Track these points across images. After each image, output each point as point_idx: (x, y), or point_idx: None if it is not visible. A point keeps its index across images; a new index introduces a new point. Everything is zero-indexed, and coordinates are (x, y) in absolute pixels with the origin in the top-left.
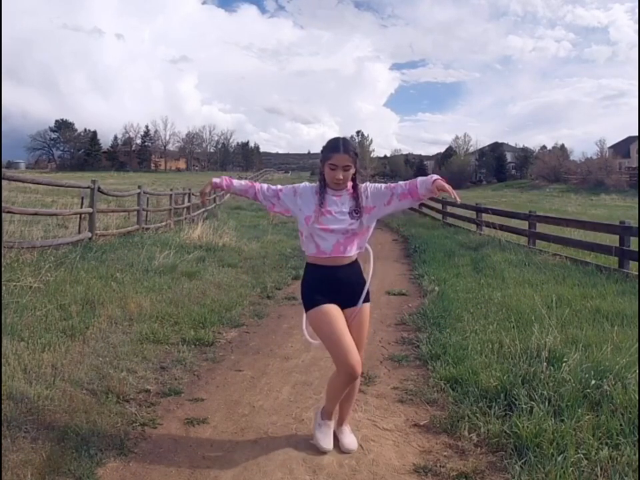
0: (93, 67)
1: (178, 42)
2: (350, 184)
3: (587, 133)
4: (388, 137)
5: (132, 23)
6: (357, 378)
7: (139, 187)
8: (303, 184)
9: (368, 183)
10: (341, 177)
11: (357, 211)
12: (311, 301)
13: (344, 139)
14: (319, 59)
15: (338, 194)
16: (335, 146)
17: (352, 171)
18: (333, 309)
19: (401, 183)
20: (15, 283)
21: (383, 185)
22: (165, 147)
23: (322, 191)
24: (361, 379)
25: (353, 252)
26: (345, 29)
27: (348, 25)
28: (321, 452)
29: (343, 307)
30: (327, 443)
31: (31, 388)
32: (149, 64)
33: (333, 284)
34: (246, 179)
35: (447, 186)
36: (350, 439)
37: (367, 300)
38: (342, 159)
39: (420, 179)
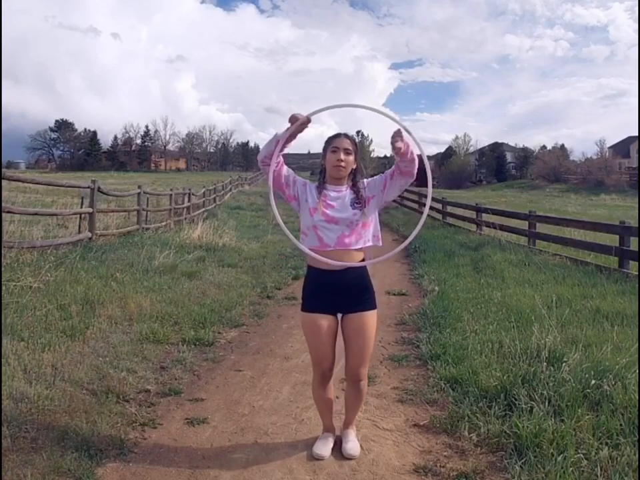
0: (90, 67)
1: (175, 41)
2: (350, 181)
3: (586, 132)
4: (388, 137)
5: (128, 22)
6: (326, 379)
7: (139, 187)
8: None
9: (365, 179)
10: (342, 158)
11: (358, 201)
12: (306, 303)
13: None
14: (316, 59)
15: (338, 189)
16: (336, 134)
17: (352, 157)
18: (321, 321)
19: None
20: (15, 283)
21: (379, 175)
22: (164, 147)
23: (322, 185)
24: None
25: (358, 245)
26: (341, 28)
27: (344, 24)
28: (315, 458)
29: (344, 313)
30: (322, 449)
31: (31, 388)
32: (145, 63)
33: (334, 291)
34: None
35: (398, 135)
36: (352, 445)
37: (370, 307)
38: (343, 142)
39: None
